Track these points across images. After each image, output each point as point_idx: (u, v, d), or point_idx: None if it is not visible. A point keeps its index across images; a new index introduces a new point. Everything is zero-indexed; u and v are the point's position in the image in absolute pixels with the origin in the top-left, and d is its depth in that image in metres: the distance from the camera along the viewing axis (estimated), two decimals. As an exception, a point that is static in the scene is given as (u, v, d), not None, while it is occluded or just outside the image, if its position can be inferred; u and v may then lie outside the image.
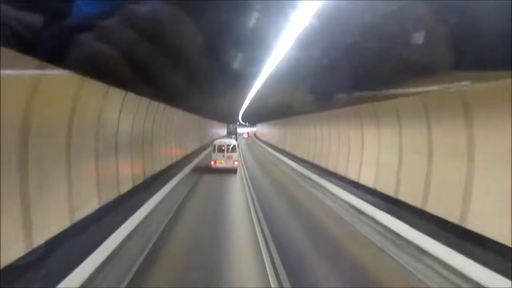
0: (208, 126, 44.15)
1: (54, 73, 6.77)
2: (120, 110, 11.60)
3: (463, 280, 6.97)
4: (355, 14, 5.01)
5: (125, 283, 6.70)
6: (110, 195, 10.87)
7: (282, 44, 7.27)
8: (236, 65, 9.09)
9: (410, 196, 10.94)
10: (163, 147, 19.15)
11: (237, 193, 16.41)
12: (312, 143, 24.42)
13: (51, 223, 7.42)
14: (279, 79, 11.22)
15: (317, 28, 5.70)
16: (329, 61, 7.61)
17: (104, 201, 10.23)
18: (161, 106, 16.85)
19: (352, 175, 16.18)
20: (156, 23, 5.12)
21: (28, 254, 6.42)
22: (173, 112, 19.96)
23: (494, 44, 4.63)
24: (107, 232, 8.32)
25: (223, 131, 61.47)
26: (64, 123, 7.89)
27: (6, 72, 5.30)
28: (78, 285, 6.23)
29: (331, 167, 19.62)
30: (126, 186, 12.51)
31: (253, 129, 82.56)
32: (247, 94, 18.19)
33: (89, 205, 9.31)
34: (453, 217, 8.77)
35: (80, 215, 8.58)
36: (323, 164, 21.37)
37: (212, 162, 21.80)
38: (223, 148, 21.69)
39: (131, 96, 12.12)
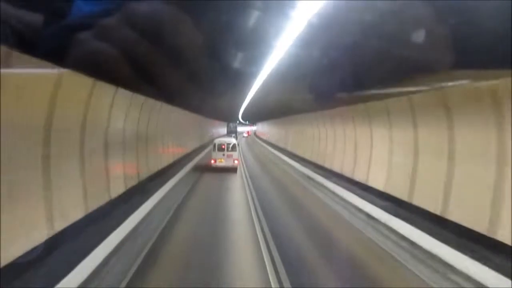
0: (208, 125, 44.20)
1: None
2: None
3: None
4: (358, 13, 5.00)
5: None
6: (99, 201, 9.75)
7: (282, 43, 7.25)
8: (236, 64, 9.07)
9: (427, 201, 9.92)
10: (163, 146, 19.29)
11: (237, 193, 16.40)
12: (316, 142, 23.33)
13: (18, 239, 6.11)
14: (279, 78, 11.17)
15: (318, 27, 5.69)
16: (330, 60, 7.58)
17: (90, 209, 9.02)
18: (164, 105, 16.95)
19: (360, 176, 15.12)
20: (156, 22, 5.11)
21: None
22: (173, 111, 20.00)
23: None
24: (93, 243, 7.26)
25: (223, 129, 61.47)
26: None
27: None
28: None
29: (336, 167, 18.54)
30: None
31: (253, 128, 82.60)
32: (247, 93, 18.14)
33: (73, 213, 8.15)
34: (480, 227, 7.80)
35: (60, 226, 7.33)
36: (327, 165, 20.31)
37: (212, 161, 21.82)
38: (223, 147, 21.70)
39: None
